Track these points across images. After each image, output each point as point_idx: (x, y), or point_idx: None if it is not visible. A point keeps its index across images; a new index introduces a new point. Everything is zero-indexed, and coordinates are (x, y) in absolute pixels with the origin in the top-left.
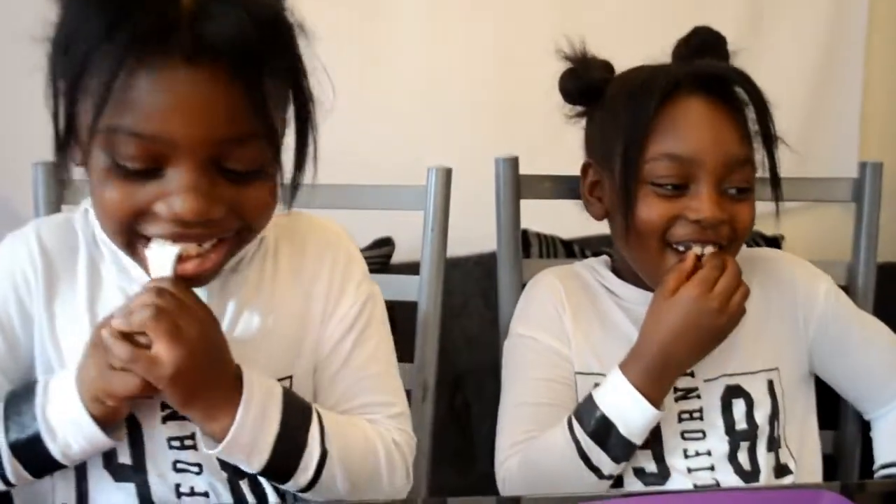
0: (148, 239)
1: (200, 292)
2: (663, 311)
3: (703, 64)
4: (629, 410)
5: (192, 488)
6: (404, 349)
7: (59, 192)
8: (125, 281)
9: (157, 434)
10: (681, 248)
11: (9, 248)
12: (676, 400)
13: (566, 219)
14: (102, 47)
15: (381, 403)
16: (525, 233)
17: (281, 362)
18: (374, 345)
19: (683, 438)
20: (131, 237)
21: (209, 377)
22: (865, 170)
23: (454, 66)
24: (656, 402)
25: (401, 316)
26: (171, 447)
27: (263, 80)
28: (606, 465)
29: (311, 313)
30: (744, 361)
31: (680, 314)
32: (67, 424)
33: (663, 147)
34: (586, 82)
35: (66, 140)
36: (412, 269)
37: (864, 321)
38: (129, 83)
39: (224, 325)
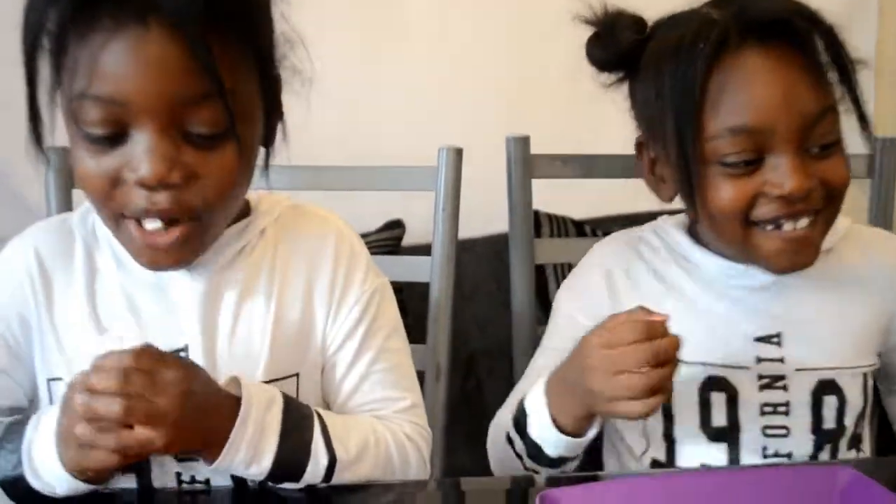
0: (136, 220)
1: (197, 287)
2: (579, 346)
3: (751, 3)
4: (540, 419)
5: (192, 477)
6: (416, 331)
7: (70, 176)
8: (122, 273)
9: None
10: (769, 227)
11: (6, 261)
12: (760, 389)
13: (578, 199)
14: (50, 12)
15: (390, 399)
16: (536, 214)
17: (285, 359)
18: (382, 339)
19: (765, 435)
20: (115, 215)
21: (204, 426)
22: (879, 145)
23: (465, 45)
24: (566, 427)
25: (412, 298)
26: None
27: (213, 40)
28: (522, 453)
29: (315, 310)
30: (843, 354)
31: (577, 361)
32: (52, 475)
33: (724, 121)
34: (615, 48)
35: (34, 113)
36: (423, 251)
37: None
38: (82, 47)
39: (223, 322)
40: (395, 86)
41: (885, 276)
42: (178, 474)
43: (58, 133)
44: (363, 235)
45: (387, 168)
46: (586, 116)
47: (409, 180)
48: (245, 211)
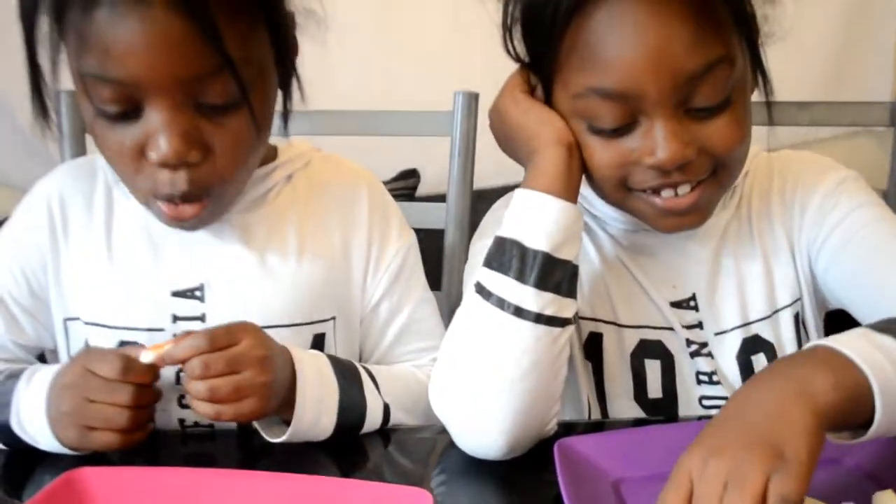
0: (165, 198)
1: (217, 227)
2: None
3: None
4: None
5: (196, 422)
6: (431, 278)
7: (82, 120)
8: (142, 210)
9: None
10: (647, 194)
11: (31, 202)
12: (692, 356)
13: None
14: None
15: (427, 348)
16: None
17: (320, 303)
18: (420, 292)
19: (703, 406)
20: (143, 195)
21: (281, 382)
22: None
23: None
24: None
25: (428, 245)
26: (179, 381)
27: (216, 13)
28: (511, 290)
29: (352, 260)
30: (761, 303)
31: None
32: (38, 433)
33: (587, 79)
34: None
35: (36, 86)
36: (437, 202)
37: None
38: (85, 23)
39: (244, 263)
40: (413, 30)
41: (801, 201)
42: (182, 421)
43: (64, 77)
44: None
45: (402, 113)
46: None
47: (425, 125)
48: (270, 155)
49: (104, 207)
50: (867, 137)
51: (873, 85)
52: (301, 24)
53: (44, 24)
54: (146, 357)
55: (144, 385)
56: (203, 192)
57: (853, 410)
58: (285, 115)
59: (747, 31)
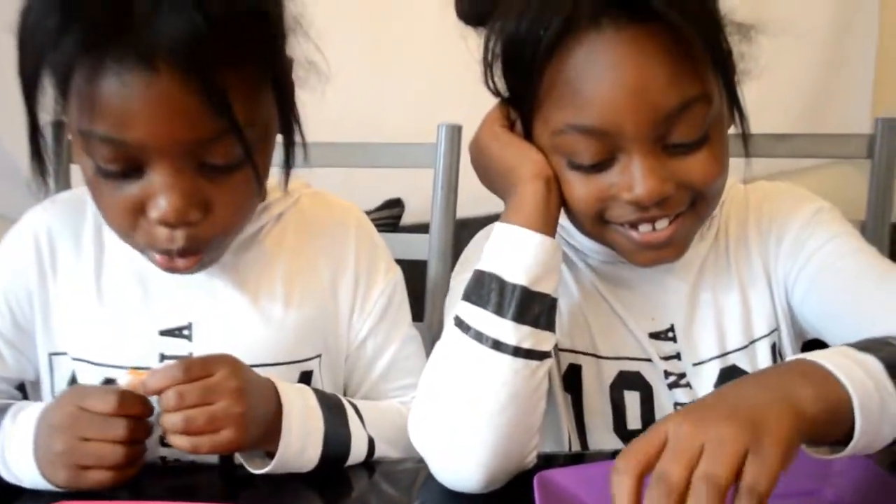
0: (160, 251)
1: (213, 271)
2: None
3: None
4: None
5: (177, 459)
6: (413, 309)
7: (67, 152)
8: (132, 249)
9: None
10: (625, 227)
11: (18, 235)
12: (670, 387)
13: None
14: (54, 46)
15: (412, 385)
16: None
17: (307, 341)
18: (405, 329)
19: None
20: (139, 246)
21: (261, 414)
22: (880, 126)
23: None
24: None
25: (410, 276)
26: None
27: (223, 78)
28: (490, 324)
29: (339, 298)
30: (737, 334)
31: None
32: (23, 473)
33: (566, 116)
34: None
35: (35, 139)
36: (422, 230)
37: (862, 259)
38: (91, 85)
39: (235, 302)
40: (398, 65)
41: (777, 232)
42: (163, 458)
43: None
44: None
45: (386, 145)
46: None
47: (409, 157)
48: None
49: (93, 244)
50: (846, 167)
51: (852, 117)
52: (302, 77)
53: (47, 85)
54: (123, 380)
55: (138, 419)
56: (200, 246)
57: (833, 422)
58: (287, 169)
59: (724, 68)
